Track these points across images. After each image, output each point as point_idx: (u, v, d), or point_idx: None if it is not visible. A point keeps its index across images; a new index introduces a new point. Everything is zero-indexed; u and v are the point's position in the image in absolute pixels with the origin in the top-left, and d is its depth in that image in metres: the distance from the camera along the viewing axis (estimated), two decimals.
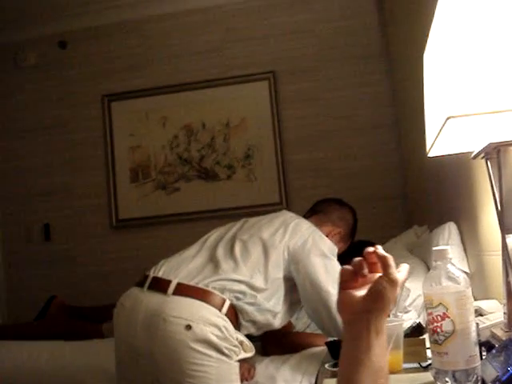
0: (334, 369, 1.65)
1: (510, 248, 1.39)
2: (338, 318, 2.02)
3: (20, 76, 4.95)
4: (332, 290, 2.02)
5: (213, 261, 2.06)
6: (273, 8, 4.65)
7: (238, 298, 1.95)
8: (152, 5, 4.75)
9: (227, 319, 1.90)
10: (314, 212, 2.48)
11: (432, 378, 1.27)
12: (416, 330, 1.88)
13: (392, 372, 1.50)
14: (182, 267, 2.02)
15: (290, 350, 2.29)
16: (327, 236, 2.31)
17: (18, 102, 4.93)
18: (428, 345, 1.33)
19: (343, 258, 2.53)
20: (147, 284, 2.00)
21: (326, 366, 1.72)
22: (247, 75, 4.61)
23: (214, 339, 1.84)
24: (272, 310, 2.03)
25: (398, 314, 2.31)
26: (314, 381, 2.02)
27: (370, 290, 1.01)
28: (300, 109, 4.53)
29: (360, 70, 4.46)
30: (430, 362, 1.42)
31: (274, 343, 2.39)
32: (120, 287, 2.19)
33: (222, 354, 1.85)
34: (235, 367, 1.90)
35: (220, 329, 1.86)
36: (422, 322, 1.89)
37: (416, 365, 1.52)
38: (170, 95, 4.72)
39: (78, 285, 4.60)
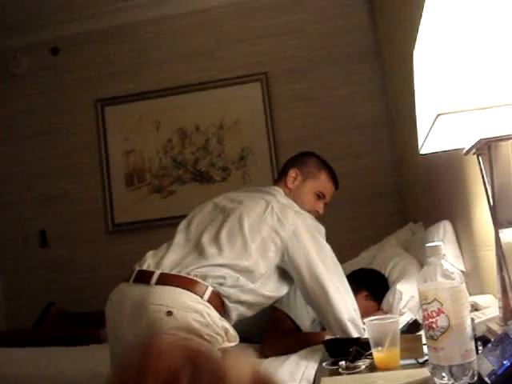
0: (332, 367, 1.66)
1: (504, 243, 1.40)
2: (337, 304, 2.06)
3: (13, 83, 4.94)
4: (327, 272, 2.10)
5: (198, 248, 2.09)
6: (263, 9, 4.65)
7: (220, 284, 1.97)
8: (143, 9, 4.75)
9: (210, 306, 1.92)
10: (279, 176, 2.54)
11: (429, 374, 1.27)
12: (413, 327, 1.89)
13: (389, 369, 1.52)
14: (167, 257, 2.05)
15: (287, 352, 2.29)
16: (294, 180, 2.41)
17: (12, 109, 4.92)
18: (424, 341, 1.34)
19: (353, 281, 2.51)
20: (133, 278, 2.04)
21: (324, 364, 1.73)
22: (240, 77, 4.62)
23: (196, 325, 1.85)
24: (256, 290, 2.06)
25: None
26: (312, 380, 2.03)
27: None
28: (293, 109, 4.53)
29: (352, 69, 4.47)
30: (426, 357, 1.42)
31: (271, 345, 2.39)
32: None
33: (204, 340, 1.85)
34: None
35: (202, 314, 1.88)
36: (419, 319, 1.90)
37: (413, 361, 1.53)
38: (162, 99, 4.72)
39: (75, 290, 4.59)
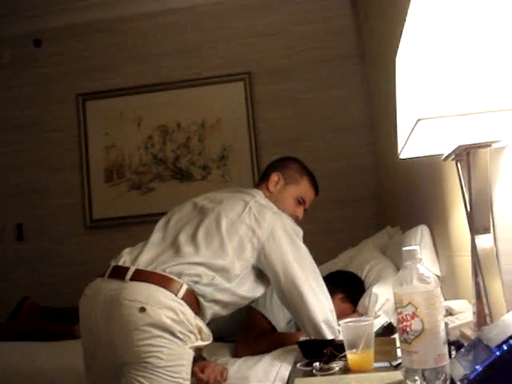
0: (306, 368, 1.67)
1: (480, 249, 1.41)
2: (312, 305, 2.06)
3: None
4: (303, 273, 2.10)
5: (174, 246, 2.08)
6: (249, 9, 4.66)
7: (195, 282, 1.96)
8: (128, 4, 4.74)
9: (184, 303, 1.91)
10: (261, 179, 2.53)
11: (402, 377, 1.28)
12: (387, 330, 1.90)
13: (363, 371, 1.52)
14: (143, 254, 2.05)
15: (261, 352, 2.29)
16: (276, 184, 2.42)
17: None
18: (398, 344, 1.35)
19: (330, 283, 2.51)
20: (108, 273, 2.03)
21: (298, 365, 1.73)
22: (223, 76, 4.62)
23: (168, 322, 1.84)
24: (232, 290, 2.05)
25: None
26: (286, 380, 2.03)
27: None
28: (275, 110, 4.54)
29: (335, 71, 4.48)
30: (400, 361, 1.43)
31: (245, 345, 2.39)
32: None
33: (176, 337, 1.85)
34: (188, 353, 1.90)
35: (176, 312, 1.87)
36: (394, 322, 1.91)
37: (386, 364, 1.54)
38: (145, 95, 4.71)
39: (51, 285, 4.55)
